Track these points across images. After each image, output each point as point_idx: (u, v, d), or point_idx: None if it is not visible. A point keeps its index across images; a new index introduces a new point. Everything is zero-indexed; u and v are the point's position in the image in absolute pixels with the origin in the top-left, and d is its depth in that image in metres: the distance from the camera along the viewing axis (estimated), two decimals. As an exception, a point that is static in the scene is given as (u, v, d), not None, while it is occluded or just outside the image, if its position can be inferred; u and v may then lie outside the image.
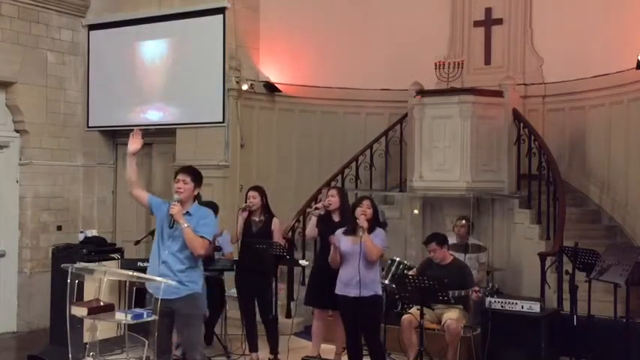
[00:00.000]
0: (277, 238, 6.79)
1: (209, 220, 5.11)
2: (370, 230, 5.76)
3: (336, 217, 6.51)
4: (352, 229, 5.85)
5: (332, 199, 6.53)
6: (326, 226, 6.48)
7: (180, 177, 5.07)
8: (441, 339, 6.55)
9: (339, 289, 5.89)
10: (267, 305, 6.70)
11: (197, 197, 5.43)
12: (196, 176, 5.13)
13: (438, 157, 8.30)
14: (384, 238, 5.92)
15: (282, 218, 7.20)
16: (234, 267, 6.92)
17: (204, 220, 5.05)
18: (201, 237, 4.97)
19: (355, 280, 5.73)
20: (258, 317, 6.82)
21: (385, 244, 5.93)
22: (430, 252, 6.79)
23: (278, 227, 6.84)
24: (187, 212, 5.02)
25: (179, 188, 5.03)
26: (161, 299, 4.89)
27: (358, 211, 5.81)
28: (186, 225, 4.91)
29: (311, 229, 6.60)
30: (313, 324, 6.78)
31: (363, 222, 5.72)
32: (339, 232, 5.98)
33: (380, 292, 5.93)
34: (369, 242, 5.69)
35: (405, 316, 6.56)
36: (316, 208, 6.58)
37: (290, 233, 8.35)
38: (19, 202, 8.83)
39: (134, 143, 5.13)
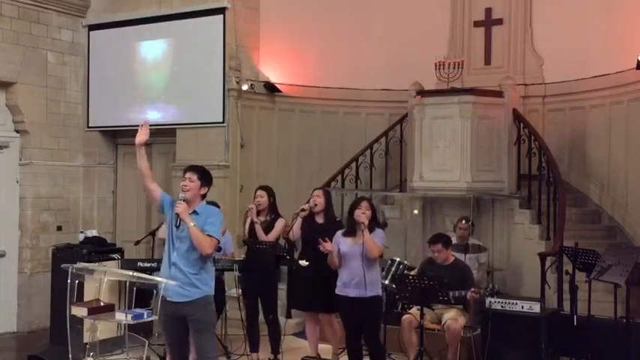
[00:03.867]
0: (272, 236, 6.69)
1: (217, 219, 4.95)
2: (370, 230, 5.75)
3: (319, 219, 6.50)
4: (351, 230, 5.84)
5: (318, 200, 6.51)
6: (308, 227, 6.46)
7: (187, 175, 4.94)
8: (441, 339, 6.55)
9: (339, 290, 5.88)
10: (270, 305, 6.70)
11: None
12: (203, 174, 4.98)
13: (438, 157, 8.30)
14: (383, 238, 5.91)
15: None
16: (235, 267, 6.90)
17: (212, 219, 4.90)
18: (209, 235, 4.82)
19: (355, 281, 5.73)
20: (260, 317, 6.81)
21: (384, 243, 5.92)
22: (435, 252, 6.77)
23: (279, 227, 6.75)
24: (194, 211, 4.87)
25: (184, 186, 4.90)
26: (170, 302, 4.83)
27: (357, 212, 5.78)
28: (192, 224, 4.77)
29: (296, 230, 6.57)
30: (306, 326, 6.79)
31: (363, 219, 5.70)
32: (339, 233, 5.98)
33: (380, 293, 5.93)
34: (369, 240, 5.68)
35: (405, 316, 6.56)
36: (302, 210, 6.56)
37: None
38: (19, 202, 8.83)
39: (141, 134, 4.96)
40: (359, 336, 5.95)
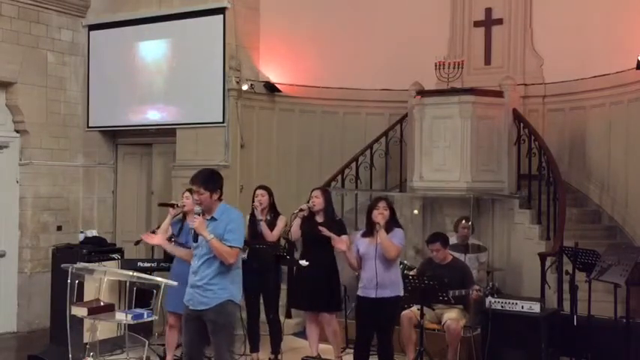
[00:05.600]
0: (276, 233, 6.72)
1: (237, 225, 4.82)
2: (388, 230, 5.73)
3: (319, 218, 6.50)
4: (369, 231, 5.83)
5: (316, 200, 6.53)
6: (308, 227, 6.46)
7: (194, 188, 4.82)
8: (441, 339, 6.56)
9: (361, 291, 5.85)
10: (272, 304, 6.70)
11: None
12: (206, 182, 4.79)
13: (438, 157, 8.30)
14: (402, 238, 5.86)
15: (282, 219, 7.22)
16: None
17: (232, 225, 4.77)
18: (230, 246, 4.72)
19: (374, 282, 5.69)
20: (261, 317, 6.81)
21: (403, 243, 5.89)
22: (433, 251, 6.78)
23: (281, 224, 6.80)
24: (212, 217, 4.79)
25: (196, 200, 4.81)
26: (192, 309, 4.83)
27: (375, 213, 5.76)
28: (210, 237, 4.67)
29: (295, 230, 6.57)
30: (307, 326, 6.78)
31: (379, 219, 5.69)
32: (358, 234, 5.96)
33: (401, 293, 5.88)
34: (385, 240, 5.66)
35: (404, 312, 6.53)
36: (301, 210, 6.56)
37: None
38: (19, 202, 8.82)
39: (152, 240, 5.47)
40: (371, 337, 5.92)
